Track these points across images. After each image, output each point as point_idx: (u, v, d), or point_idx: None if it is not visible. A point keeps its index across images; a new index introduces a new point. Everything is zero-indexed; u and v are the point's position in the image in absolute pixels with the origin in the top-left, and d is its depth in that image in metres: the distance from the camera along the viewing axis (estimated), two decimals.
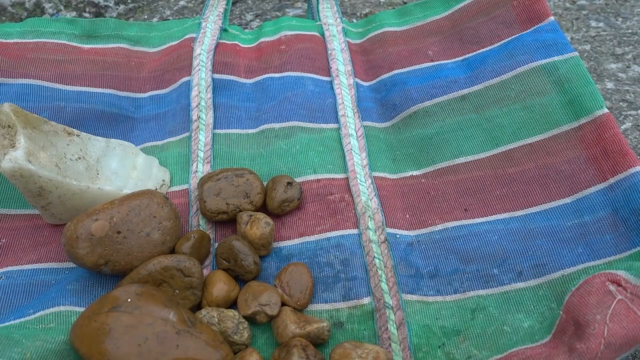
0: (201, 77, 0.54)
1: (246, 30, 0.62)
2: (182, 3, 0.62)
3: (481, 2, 0.56)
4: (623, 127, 0.51)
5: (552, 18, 0.52)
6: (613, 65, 0.54)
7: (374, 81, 0.56)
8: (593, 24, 0.58)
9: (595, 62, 0.53)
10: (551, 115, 0.47)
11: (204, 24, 0.59)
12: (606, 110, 0.45)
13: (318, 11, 0.63)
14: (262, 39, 0.59)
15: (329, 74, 0.56)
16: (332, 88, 0.55)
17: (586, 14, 0.58)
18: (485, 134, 0.49)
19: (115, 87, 0.55)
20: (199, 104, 0.52)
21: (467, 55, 0.54)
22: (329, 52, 0.57)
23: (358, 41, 0.60)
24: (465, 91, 0.51)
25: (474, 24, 0.55)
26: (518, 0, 0.54)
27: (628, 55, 0.55)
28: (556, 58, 0.49)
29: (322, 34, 0.59)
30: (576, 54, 0.49)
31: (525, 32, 0.52)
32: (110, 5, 0.61)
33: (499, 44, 0.53)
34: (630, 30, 0.57)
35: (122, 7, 0.62)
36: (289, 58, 0.56)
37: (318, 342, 0.39)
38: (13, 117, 0.42)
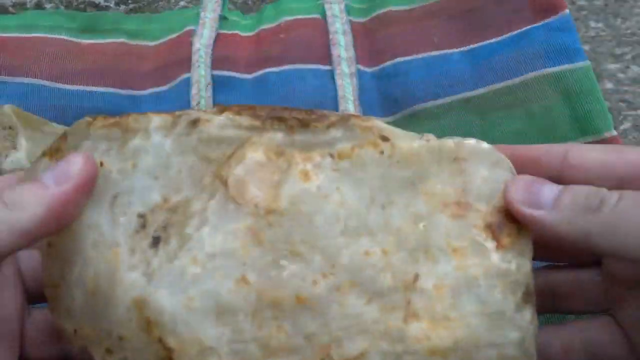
0: (200, 74, 0.54)
1: (246, 15, 0.61)
2: (182, 3, 0.62)
3: None
4: (622, 127, 0.51)
5: (567, 11, 0.51)
6: (612, 66, 0.55)
7: (377, 68, 0.55)
8: (592, 24, 0.58)
9: (595, 62, 0.54)
10: (556, 130, 0.47)
11: (202, 14, 0.58)
12: (615, 133, 0.46)
13: None
14: (262, 27, 0.58)
15: (330, 61, 0.55)
16: (332, 78, 0.54)
17: (585, 14, 0.59)
18: (486, 140, 0.49)
19: (116, 84, 0.54)
20: (198, 102, 0.52)
21: (473, 46, 0.53)
22: (331, 36, 0.56)
23: (362, 20, 0.58)
24: (469, 94, 0.51)
25: (481, 3, 0.54)
26: None
27: (627, 56, 0.55)
28: (566, 67, 0.48)
29: (324, 15, 0.58)
30: (588, 63, 0.48)
31: (535, 24, 0.51)
32: (111, 5, 0.61)
33: (507, 35, 0.52)
34: (629, 31, 0.57)
35: (122, 7, 0.61)
36: (288, 47, 0.55)
37: None
38: (14, 118, 0.42)
